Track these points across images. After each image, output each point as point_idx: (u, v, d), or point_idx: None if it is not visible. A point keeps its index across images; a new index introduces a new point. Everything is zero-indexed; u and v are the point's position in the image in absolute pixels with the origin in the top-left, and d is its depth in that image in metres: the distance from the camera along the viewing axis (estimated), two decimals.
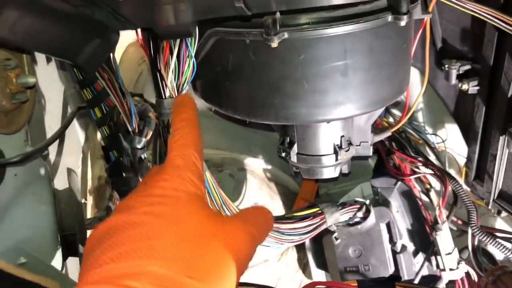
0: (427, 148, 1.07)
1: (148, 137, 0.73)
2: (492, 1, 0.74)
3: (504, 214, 0.92)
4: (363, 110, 0.70)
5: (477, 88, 0.88)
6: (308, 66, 0.63)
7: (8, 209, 0.61)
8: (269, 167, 1.19)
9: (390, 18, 0.62)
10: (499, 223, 1.11)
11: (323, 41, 0.62)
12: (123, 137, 0.72)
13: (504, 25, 0.69)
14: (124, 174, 0.73)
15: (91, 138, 0.99)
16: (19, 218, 0.63)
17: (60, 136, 0.75)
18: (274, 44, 0.60)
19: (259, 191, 1.14)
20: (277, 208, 1.15)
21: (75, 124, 0.92)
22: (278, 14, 0.59)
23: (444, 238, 0.91)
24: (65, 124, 0.76)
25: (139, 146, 0.72)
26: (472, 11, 0.70)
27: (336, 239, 0.93)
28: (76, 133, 0.94)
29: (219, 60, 0.68)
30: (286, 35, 0.60)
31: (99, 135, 0.98)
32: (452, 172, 1.07)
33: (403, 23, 0.62)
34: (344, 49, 0.62)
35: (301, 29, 0.61)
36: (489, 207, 0.94)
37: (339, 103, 0.67)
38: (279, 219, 0.84)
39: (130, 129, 0.71)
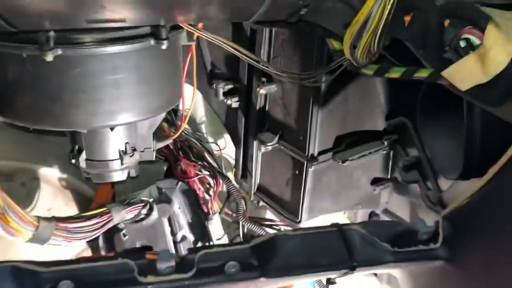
0: (207, 155, 1.26)
1: None
2: (240, 37, 0.96)
3: (262, 204, 1.15)
4: (136, 118, 0.83)
5: (238, 103, 1.09)
6: (83, 79, 0.74)
7: None
8: (65, 175, 1.23)
9: (152, 42, 0.77)
10: (269, 214, 1.35)
11: (95, 58, 0.73)
12: None
13: (244, 56, 0.90)
14: None
15: None
16: None
17: None
18: (49, 58, 0.68)
19: (55, 199, 1.17)
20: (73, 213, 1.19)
21: None
22: (52, 33, 0.68)
23: (215, 227, 1.09)
24: None
25: None
26: (222, 43, 0.88)
27: (124, 235, 1.04)
28: None
29: None
30: (60, 51, 0.69)
31: None
32: (229, 174, 1.28)
33: (164, 47, 0.77)
34: (114, 65, 0.75)
35: (74, 47, 0.71)
36: (251, 199, 1.16)
37: (114, 111, 0.78)
38: (68, 219, 0.91)
39: None
